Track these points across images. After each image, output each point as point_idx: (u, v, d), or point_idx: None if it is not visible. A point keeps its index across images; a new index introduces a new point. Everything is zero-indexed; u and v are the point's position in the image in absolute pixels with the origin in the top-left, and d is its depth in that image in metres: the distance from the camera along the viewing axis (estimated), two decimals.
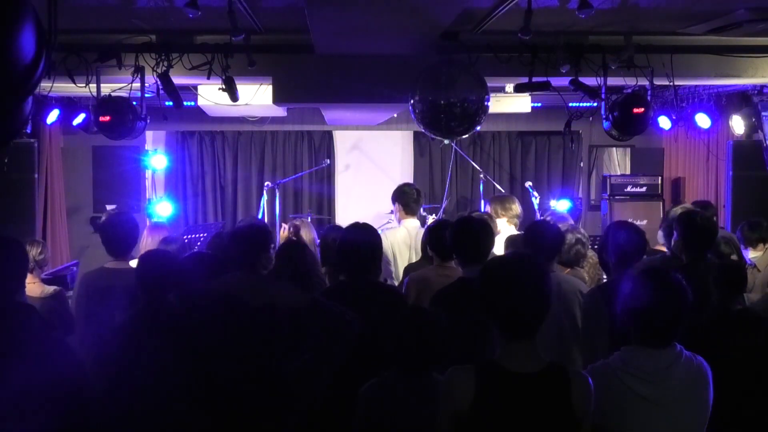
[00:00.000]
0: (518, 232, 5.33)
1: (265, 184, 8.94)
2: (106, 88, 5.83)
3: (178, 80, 5.57)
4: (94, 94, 5.78)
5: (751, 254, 5.62)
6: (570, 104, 6.53)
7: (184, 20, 4.66)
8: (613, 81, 5.77)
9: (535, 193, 8.20)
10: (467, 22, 5.29)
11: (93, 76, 5.55)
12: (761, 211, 6.81)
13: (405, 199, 5.56)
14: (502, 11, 4.81)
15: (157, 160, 9.38)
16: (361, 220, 4.03)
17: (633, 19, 5.39)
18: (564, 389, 2.34)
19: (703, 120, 7.67)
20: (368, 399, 2.84)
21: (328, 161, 10.14)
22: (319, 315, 3.19)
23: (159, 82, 5.51)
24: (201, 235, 6.67)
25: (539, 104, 8.57)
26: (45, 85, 5.37)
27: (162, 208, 9.17)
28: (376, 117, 8.66)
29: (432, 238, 4.29)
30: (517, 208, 5.69)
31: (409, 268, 4.74)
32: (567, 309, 3.93)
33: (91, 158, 8.66)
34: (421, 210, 8.32)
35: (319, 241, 5.39)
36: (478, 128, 5.79)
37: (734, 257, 5.19)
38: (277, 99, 6.34)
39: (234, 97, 5.67)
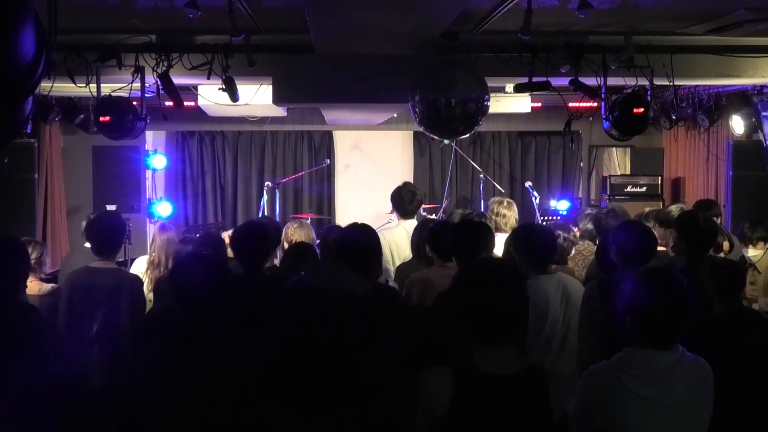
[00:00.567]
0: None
1: (265, 184, 8.95)
2: (106, 88, 5.83)
3: (178, 80, 5.57)
4: (94, 94, 5.78)
5: (751, 252, 5.62)
6: (570, 104, 6.53)
7: (184, 20, 4.66)
8: (613, 81, 5.77)
9: (535, 193, 8.21)
10: (467, 22, 5.29)
11: (93, 76, 5.54)
12: (761, 211, 6.82)
13: (400, 203, 5.58)
14: (502, 11, 4.81)
15: (157, 160, 9.39)
16: (361, 220, 4.02)
17: (633, 19, 5.39)
18: (542, 391, 2.32)
19: (703, 120, 7.69)
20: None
21: (328, 161, 10.15)
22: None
23: (159, 82, 5.51)
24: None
25: (539, 104, 8.58)
26: (45, 85, 5.37)
27: (161, 208, 9.18)
28: (376, 117, 8.66)
29: (432, 238, 4.29)
30: (512, 215, 5.65)
31: (402, 268, 4.73)
32: (574, 310, 3.92)
33: (91, 158, 8.66)
34: (421, 210, 8.33)
35: (318, 241, 5.40)
36: (478, 128, 5.79)
37: (726, 243, 5.20)
38: (277, 99, 6.34)
39: (234, 97, 5.67)
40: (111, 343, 4.10)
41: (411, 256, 5.00)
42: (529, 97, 7.74)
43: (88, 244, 4.58)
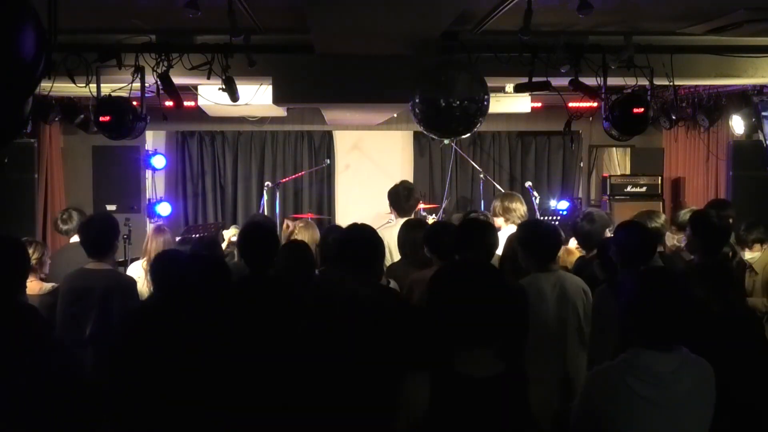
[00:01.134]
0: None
1: (265, 184, 8.96)
2: (106, 88, 5.83)
3: (178, 80, 5.57)
4: (94, 94, 5.78)
5: (747, 255, 5.61)
6: (570, 104, 6.52)
7: (184, 20, 4.66)
8: (613, 81, 5.77)
9: (535, 193, 8.22)
10: (467, 22, 5.30)
11: (93, 76, 5.54)
12: (761, 211, 6.82)
13: (397, 201, 5.60)
14: (502, 11, 4.81)
15: (157, 160, 9.40)
16: (361, 220, 4.03)
17: (633, 19, 5.39)
18: (522, 392, 2.32)
19: (703, 120, 7.68)
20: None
21: (328, 161, 10.15)
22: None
23: (159, 82, 5.51)
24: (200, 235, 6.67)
25: (539, 104, 8.57)
26: (45, 85, 5.37)
27: (161, 209, 9.19)
28: (376, 117, 8.66)
29: (431, 239, 4.29)
30: (520, 208, 5.69)
31: (392, 269, 4.73)
32: (573, 310, 3.93)
33: (91, 158, 8.66)
34: (421, 210, 8.34)
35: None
36: (478, 128, 5.79)
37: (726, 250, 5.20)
38: (277, 99, 6.34)
39: (234, 97, 5.67)
40: (105, 345, 4.11)
41: None
42: (529, 97, 7.74)
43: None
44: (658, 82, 5.82)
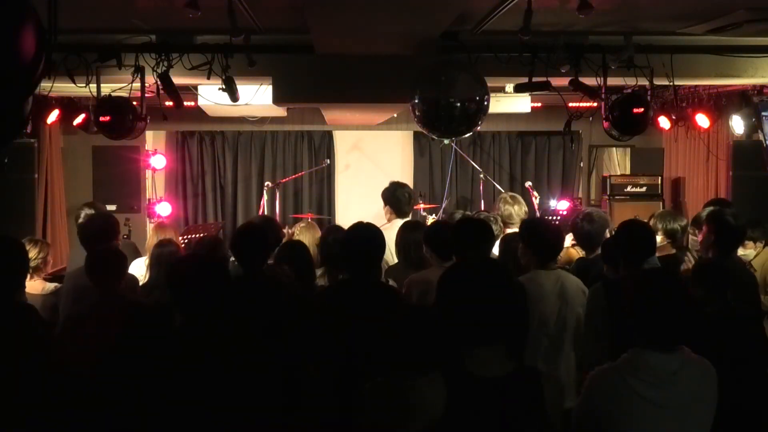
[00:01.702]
0: (513, 231, 5.35)
1: (265, 184, 8.96)
2: (106, 88, 5.83)
3: (178, 80, 5.57)
4: (94, 94, 5.78)
5: (740, 252, 5.59)
6: (570, 104, 6.53)
7: (184, 20, 4.66)
8: (613, 81, 5.77)
9: (535, 193, 8.21)
10: (467, 22, 5.29)
11: (93, 76, 5.54)
12: (761, 211, 6.81)
13: (398, 204, 5.60)
14: (502, 11, 4.81)
15: (157, 160, 9.40)
16: (362, 220, 4.03)
17: (633, 19, 5.39)
18: (536, 392, 2.31)
19: (703, 120, 7.68)
20: (373, 398, 2.82)
21: (328, 161, 10.15)
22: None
23: (159, 82, 5.51)
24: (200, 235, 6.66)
25: (539, 104, 8.57)
26: (45, 85, 5.36)
27: (161, 208, 9.20)
28: (376, 117, 8.66)
29: (431, 238, 4.29)
30: (518, 211, 5.67)
31: (390, 272, 4.73)
32: (572, 308, 3.93)
33: (91, 158, 8.66)
34: (421, 210, 8.34)
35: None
36: (478, 128, 5.79)
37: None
38: (277, 99, 6.34)
39: (234, 97, 5.67)
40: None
41: None
42: (529, 97, 7.74)
43: None
44: (658, 82, 5.82)
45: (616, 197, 8.54)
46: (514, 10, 4.65)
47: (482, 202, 9.11)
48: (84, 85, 5.46)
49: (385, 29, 5.03)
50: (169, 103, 5.94)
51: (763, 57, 5.96)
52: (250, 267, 3.94)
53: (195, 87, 7.08)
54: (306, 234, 5.25)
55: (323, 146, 10.61)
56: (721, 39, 5.71)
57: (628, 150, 9.49)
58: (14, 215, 7.29)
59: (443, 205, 9.18)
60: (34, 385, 2.91)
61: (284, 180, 9.65)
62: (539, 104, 8.52)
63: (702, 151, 8.66)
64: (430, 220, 7.68)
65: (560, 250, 4.14)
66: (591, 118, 6.89)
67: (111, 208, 8.16)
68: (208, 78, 5.44)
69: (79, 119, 6.35)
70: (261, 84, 6.68)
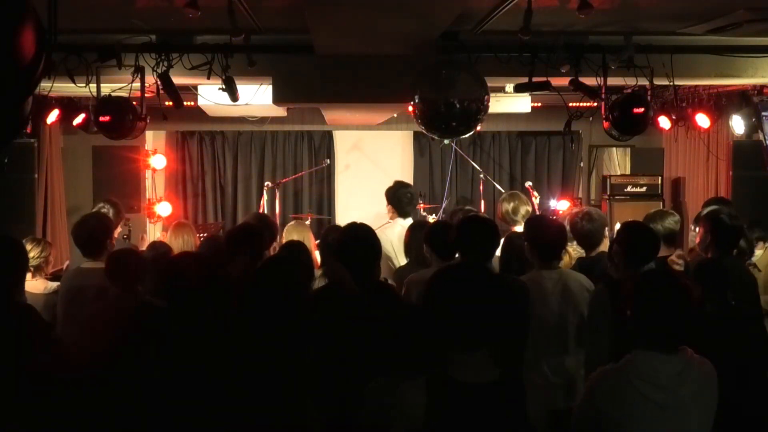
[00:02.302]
0: (517, 230, 5.35)
1: (265, 184, 8.95)
2: (106, 88, 5.83)
3: (178, 80, 5.57)
4: (94, 94, 5.78)
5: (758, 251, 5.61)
6: (570, 104, 6.53)
7: (184, 20, 4.66)
8: (613, 81, 5.77)
9: (535, 193, 8.22)
10: (467, 22, 5.29)
11: (93, 76, 5.54)
12: (761, 211, 6.81)
13: (399, 204, 5.61)
14: (502, 11, 4.81)
15: (157, 160, 9.40)
16: (361, 220, 4.02)
17: (633, 19, 5.39)
18: (519, 398, 2.29)
19: (703, 120, 7.68)
20: (374, 398, 2.82)
21: (328, 161, 10.15)
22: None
23: (159, 82, 5.51)
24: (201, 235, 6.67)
25: (539, 104, 8.57)
26: (45, 85, 5.36)
27: (161, 208, 9.20)
28: (376, 117, 8.66)
29: (432, 238, 4.29)
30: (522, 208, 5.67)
31: (400, 272, 4.72)
32: (575, 308, 3.92)
33: (91, 158, 8.66)
34: (421, 210, 8.34)
35: (318, 241, 5.40)
36: (478, 128, 5.79)
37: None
38: (277, 99, 6.34)
39: (234, 97, 5.67)
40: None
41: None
42: (529, 97, 7.74)
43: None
44: (658, 82, 5.82)
45: (616, 197, 8.54)
46: (514, 10, 4.65)
47: (482, 202, 9.11)
48: (84, 85, 5.46)
49: (385, 29, 5.03)
50: (169, 103, 5.94)
51: (763, 57, 5.96)
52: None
53: (195, 87, 7.08)
54: (294, 232, 5.24)
55: (323, 146, 10.61)
56: (721, 39, 5.71)
57: (628, 150, 9.49)
58: (14, 215, 7.28)
59: (443, 205, 9.18)
60: (33, 386, 2.91)
61: (284, 180, 9.65)
62: (539, 104, 8.52)
63: (702, 151, 8.66)
64: (431, 220, 7.68)
65: (562, 249, 4.12)
66: (591, 118, 6.89)
67: None
68: (208, 78, 5.44)
69: (79, 119, 6.35)
70: (261, 84, 6.68)
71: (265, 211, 8.46)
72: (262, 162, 10.54)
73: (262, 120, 9.19)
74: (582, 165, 10.09)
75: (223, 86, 5.55)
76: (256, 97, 6.85)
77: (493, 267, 4.11)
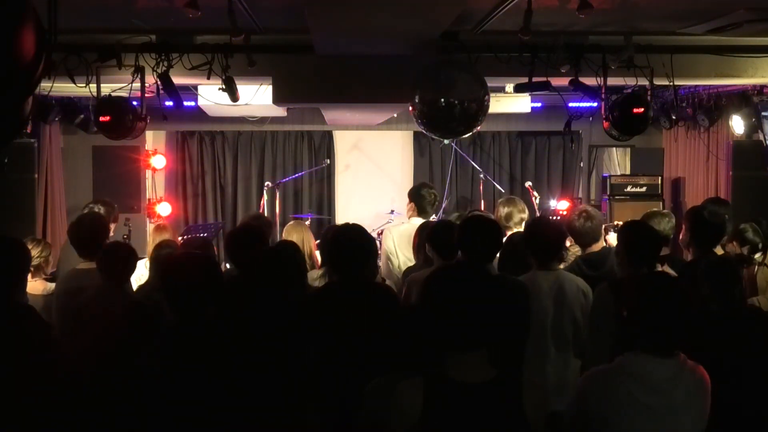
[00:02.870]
0: (518, 230, 5.34)
1: (265, 184, 8.96)
2: (106, 88, 5.83)
3: (178, 80, 5.57)
4: (94, 94, 5.78)
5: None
6: (570, 104, 6.53)
7: (184, 20, 4.66)
8: (613, 81, 5.77)
9: (535, 193, 8.22)
10: (467, 22, 5.29)
11: (93, 76, 5.54)
12: (761, 211, 6.81)
13: (421, 202, 5.58)
14: (502, 11, 4.81)
15: (157, 160, 9.40)
16: (361, 220, 4.02)
17: (633, 19, 5.39)
18: (516, 398, 2.28)
19: (703, 120, 7.68)
20: (372, 398, 2.82)
21: (328, 161, 10.15)
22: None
23: (159, 82, 5.51)
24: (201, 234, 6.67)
25: (539, 104, 8.57)
26: (45, 85, 5.36)
27: (161, 208, 9.20)
28: (376, 117, 8.66)
29: (433, 237, 4.29)
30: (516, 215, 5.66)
31: (410, 271, 4.73)
32: (568, 310, 3.92)
33: (91, 158, 8.66)
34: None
35: (318, 241, 5.40)
36: (478, 128, 5.78)
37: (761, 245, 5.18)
38: (277, 99, 6.34)
39: (234, 97, 5.67)
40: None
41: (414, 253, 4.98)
42: (529, 97, 7.74)
43: None
44: (658, 82, 5.83)
45: (616, 197, 8.55)
46: (514, 10, 4.65)
47: (482, 202, 9.11)
48: (84, 85, 5.46)
49: (385, 29, 5.03)
50: (169, 103, 5.94)
51: (763, 57, 5.96)
52: (245, 268, 3.92)
53: (195, 87, 7.09)
54: (292, 233, 5.24)
55: (323, 146, 10.61)
56: (721, 39, 5.71)
57: (628, 150, 9.49)
58: (14, 215, 7.28)
59: (443, 205, 9.18)
60: (33, 386, 2.91)
61: (284, 180, 9.65)
62: (539, 104, 8.52)
63: (702, 151, 8.66)
64: (432, 219, 7.67)
65: (560, 250, 4.12)
66: (591, 118, 6.89)
67: None
68: (208, 78, 5.44)
69: (79, 119, 6.35)
70: (261, 84, 6.68)
71: (265, 211, 8.47)
72: (262, 162, 10.55)
73: (262, 120, 9.19)
74: (582, 165, 10.09)
75: (223, 86, 5.55)
76: (256, 97, 6.86)
77: (494, 267, 4.11)
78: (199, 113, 7.95)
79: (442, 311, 2.28)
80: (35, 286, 4.60)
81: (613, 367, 2.58)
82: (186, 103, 6.62)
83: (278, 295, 3.70)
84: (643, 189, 8.60)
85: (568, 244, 5.36)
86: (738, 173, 7.82)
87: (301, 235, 5.18)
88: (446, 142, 7.63)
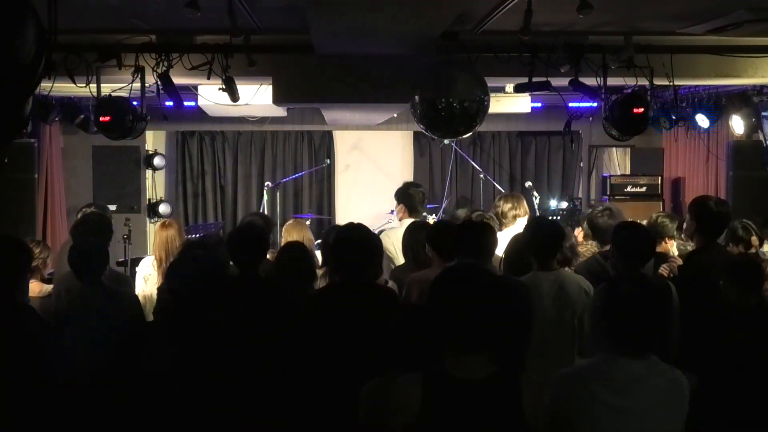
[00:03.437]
0: (511, 229, 5.35)
1: (265, 184, 8.96)
2: (106, 88, 5.83)
3: (178, 80, 5.57)
4: (95, 94, 5.78)
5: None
6: (570, 104, 6.52)
7: (184, 20, 4.65)
8: (613, 81, 5.77)
9: (535, 193, 8.22)
10: (467, 22, 5.29)
11: (93, 76, 5.54)
12: (761, 211, 6.81)
13: (411, 201, 5.58)
14: (502, 11, 4.81)
15: (157, 160, 9.40)
16: (361, 220, 4.02)
17: (633, 19, 5.39)
18: (515, 395, 2.29)
19: (703, 120, 7.68)
20: (371, 398, 2.83)
21: (328, 161, 10.15)
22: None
23: (159, 82, 5.51)
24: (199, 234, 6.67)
25: (539, 104, 8.57)
26: (45, 85, 5.36)
27: (161, 208, 9.20)
28: (376, 117, 8.66)
29: (433, 237, 4.29)
30: (510, 211, 5.66)
31: (395, 273, 4.71)
32: (571, 309, 3.92)
33: (91, 158, 8.66)
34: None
35: (319, 241, 5.40)
36: (478, 128, 5.78)
37: (754, 239, 5.18)
38: (277, 99, 6.34)
39: (234, 97, 5.67)
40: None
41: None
42: (529, 97, 7.74)
43: None
44: (658, 82, 5.82)
45: (616, 197, 8.55)
46: (514, 10, 4.64)
47: (482, 202, 9.11)
48: (84, 85, 5.46)
49: (385, 29, 5.03)
50: (169, 103, 5.94)
51: (763, 57, 5.96)
52: (246, 268, 3.92)
53: (195, 87, 7.08)
54: (293, 232, 5.23)
55: (323, 146, 10.61)
56: (721, 39, 5.70)
57: (628, 150, 9.49)
58: (14, 215, 7.28)
59: (443, 205, 9.18)
60: (33, 386, 2.91)
61: (284, 180, 9.65)
62: (539, 104, 8.52)
63: (702, 151, 8.66)
64: (431, 220, 7.68)
65: (558, 250, 4.11)
66: (591, 118, 6.89)
67: (111, 208, 8.16)
68: (208, 78, 5.44)
69: (79, 119, 6.35)
70: (261, 84, 6.68)
71: (265, 212, 8.47)
72: (262, 162, 10.55)
73: (262, 120, 9.19)
74: (582, 165, 10.09)
75: (223, 86, 5.55)
76: (256, 97, 6.86)
77: (494, 267, 4.11)
78: (199, 113, 7.95)
79: (448, 313, 2.29)
80: (32, 288, 4.57)
81: (582, 367, 2.58)
82: (186, 103, 6.62)
83: (279, 295, 3.70)
84: (643, 189, 8.60)
85: (578, 241, 5.38)
86: (738, 173, 7.82)
87: (301, 234, 5.18)
88: (446, 142, 7.64)
